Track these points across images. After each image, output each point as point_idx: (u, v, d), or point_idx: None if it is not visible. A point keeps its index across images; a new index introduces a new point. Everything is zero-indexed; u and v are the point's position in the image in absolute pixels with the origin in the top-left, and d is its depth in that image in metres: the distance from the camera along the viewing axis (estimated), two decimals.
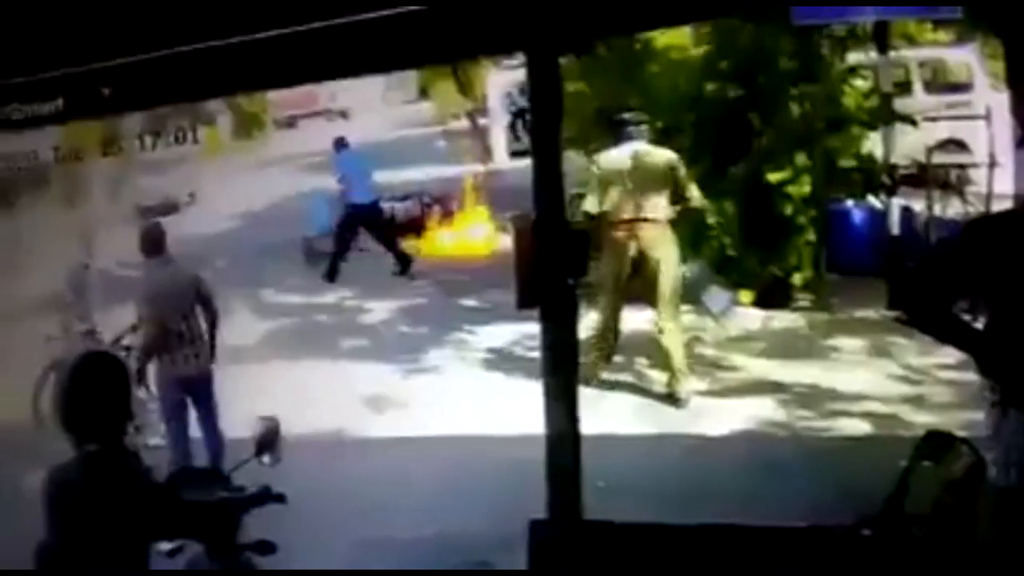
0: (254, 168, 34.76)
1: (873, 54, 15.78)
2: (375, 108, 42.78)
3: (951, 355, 12.08)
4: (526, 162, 5.62)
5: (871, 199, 16.37)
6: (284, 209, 26.63)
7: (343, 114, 43.88)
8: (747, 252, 15.53)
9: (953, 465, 5.75)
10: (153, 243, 11.33)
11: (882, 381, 12.48)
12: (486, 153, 29.63)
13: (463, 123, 33.34)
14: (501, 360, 14.51)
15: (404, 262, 20.96)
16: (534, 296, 5.51)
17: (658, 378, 13.02)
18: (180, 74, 5.56)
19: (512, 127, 28.84)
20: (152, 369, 11.31)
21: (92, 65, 5.52)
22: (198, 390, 11.27)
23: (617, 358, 13.33)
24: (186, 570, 6.21)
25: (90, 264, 14.42)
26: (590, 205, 12.70)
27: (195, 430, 11.32)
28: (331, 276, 20.96)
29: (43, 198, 25.58)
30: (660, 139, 14.22)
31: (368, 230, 21.60)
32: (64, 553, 5.28)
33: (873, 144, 15.79)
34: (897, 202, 15.20)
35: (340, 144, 22.74)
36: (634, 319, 13.16)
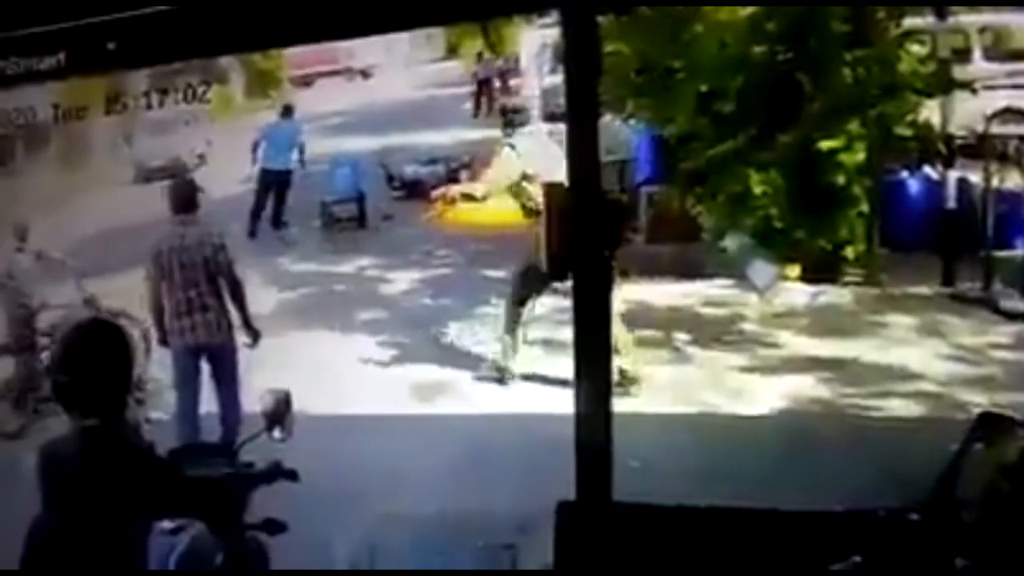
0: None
1: (931, 18, 15.78)
2: (398, 67, 42.67)
3: (1006, 334, 12.21)
4: (560, 126, 5.64)
5: (927, 169, 16.39)
6: (301, 173, 26.70)
7: (364, 73, 43.76)
8: (795, 224, 15.52)
9: (1007, 448, 5.80)
10: (181, 199, 11.39)
11: (933, 360, 12.51)
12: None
13: (493, 84, 33.34)
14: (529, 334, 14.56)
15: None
16: (566, 267, 5.52)
17: (699, 354, 13.10)
18: (190, 29, 5.54)
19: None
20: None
21: (96, 18, 5.51)
22: (214, 361, 11.31)
23: (654, 333, 13.39)
24: (181, 570, 6.20)
25: (24, 247, 14.31)
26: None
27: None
28: (251, 233, 22.63)
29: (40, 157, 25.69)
30: (702, 104, 14.27)
31: (274, 193, 23.29)
32: (60, 530, 5.24)
33: (930, 112, 15.79)
34: (953, 174, 15.24)
35: (287, 111, 24.54)
36: (671, 294, 13.21)
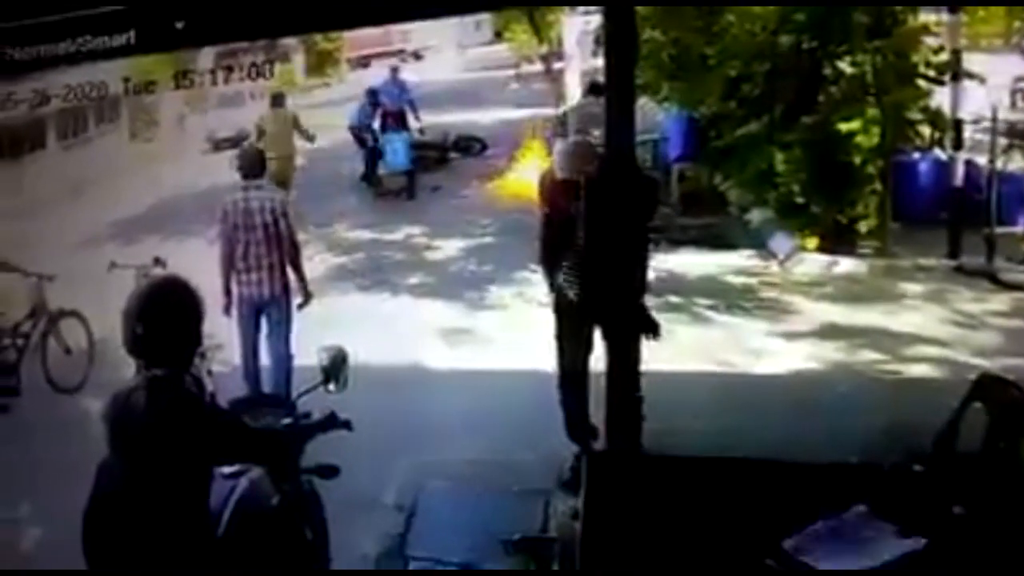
0: (327, 105, 34.69)
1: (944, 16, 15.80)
2: (449, 49, 42.56)
3: (1005, 303, 12.23)
4: None
5: (937, 151, 16.40)
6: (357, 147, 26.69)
7: (416, 55, 43.62)
8: (814, 199, 15.54)
9: (1003, 407, 5.85)
10: (249, 164, 11.50)
11: (939, 326, 12.55)
12: (560, 97, 29.50)
13: (537, 67, 33.21)
14: None
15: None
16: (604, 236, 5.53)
17: (722, 319, 13.14)
18: (254, 10, 5.55)
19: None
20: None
21: None
22: (269, 313, 11.42)
23: (676, 299, 13.42)
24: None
25: None
26: None
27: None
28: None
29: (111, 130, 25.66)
30: (731, 88, 14.31)
31: None
32: (127, 474, 5.26)
33: (941, 99, 15.85)
34: (961, 156, 15.27)
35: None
36: (700, 263, 13.24)
